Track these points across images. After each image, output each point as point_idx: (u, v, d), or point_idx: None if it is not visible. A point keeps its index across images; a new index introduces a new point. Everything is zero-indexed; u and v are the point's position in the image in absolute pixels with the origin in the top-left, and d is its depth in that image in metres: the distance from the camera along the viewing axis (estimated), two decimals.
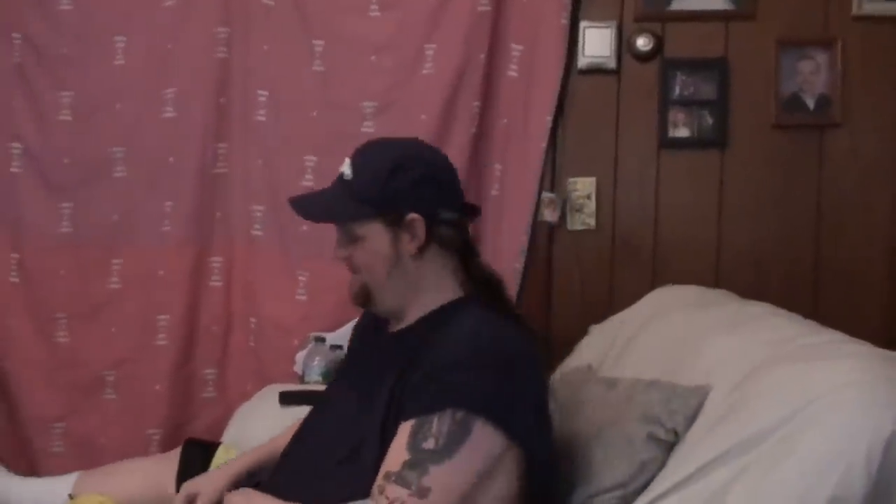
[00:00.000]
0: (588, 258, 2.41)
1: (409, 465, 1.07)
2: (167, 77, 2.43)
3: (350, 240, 1.28)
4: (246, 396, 2.28)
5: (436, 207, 1.26)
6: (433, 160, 1.30)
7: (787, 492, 1.10)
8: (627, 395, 1.44)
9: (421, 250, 1.25)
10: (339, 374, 1.44)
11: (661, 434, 1.32)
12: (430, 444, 1.07)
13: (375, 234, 1.25)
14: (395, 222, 1.24)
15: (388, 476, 1.08)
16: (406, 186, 1.24)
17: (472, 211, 1.39)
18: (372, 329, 1.42)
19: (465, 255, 1.32)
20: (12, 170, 2.49)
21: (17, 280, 2.49)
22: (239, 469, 1.48)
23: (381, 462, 1.14)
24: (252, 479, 1.47)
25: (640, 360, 1.67)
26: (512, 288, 2.40)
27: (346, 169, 1.29)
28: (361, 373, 1.35)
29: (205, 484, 1.44)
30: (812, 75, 2.29)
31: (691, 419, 1.33)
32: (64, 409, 2.46)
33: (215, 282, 2.48)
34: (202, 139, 2.44)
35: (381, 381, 1.23)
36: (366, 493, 1.13)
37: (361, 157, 1.30)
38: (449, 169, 1.32)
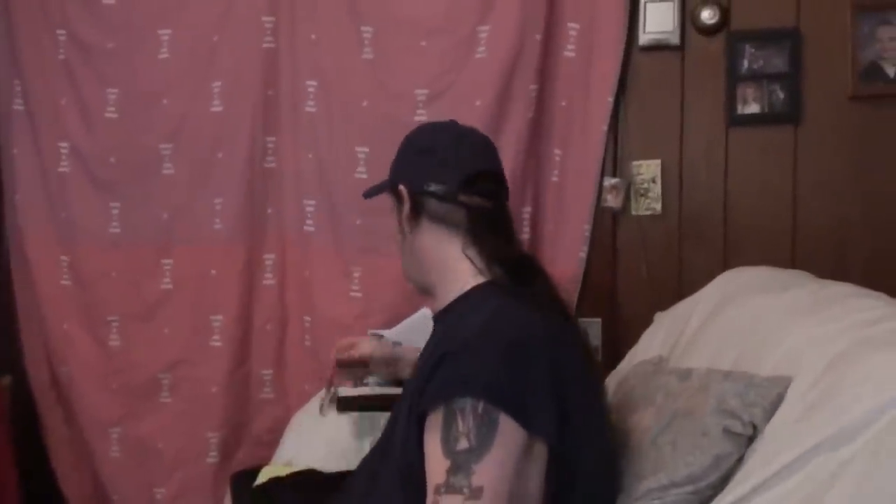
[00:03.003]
0: (654, 245, 2.31)
1: (452, 471, 1.05)
2: (213, 70, 2.38)
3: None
4: (304, 396, 2.23)
5: (423, 179, 1.25)
6: (442, 134, 1.29)
7: (893, 492, 1.00)
8: (701, 385, 1.36)
9: (414, 222, 1.26)
10: None
11: (738, 428, 1.24)
12: (463, 444, 1.05)
13: (391, 207, 1.32)
14: (394, 193, 1.30)
15: (438, 489, 1.07)
16: (406, 158, 1.30)
17: (495, 194, 1.30)
18: None
19: (485, 237, 1.25)
20: (60, 170, 2.46)
21: (68, 283, 2.46)
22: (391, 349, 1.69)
23: (405, 447, 1.14)
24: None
25: (714, 349, 1.57)
26: (575, 278, 2.31)
27: None
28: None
29: (362, 344, 1.67)
30: (893, 41, 2.16)
31: (770, 412, 1.24)
32: (119, 414, 2.43)
33: (268, 280, 2.42)
34: (251, 133, 2.38)
35: (421, 365, 1.23)
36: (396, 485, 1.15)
37: None
38: (457, 146, 1.27)
